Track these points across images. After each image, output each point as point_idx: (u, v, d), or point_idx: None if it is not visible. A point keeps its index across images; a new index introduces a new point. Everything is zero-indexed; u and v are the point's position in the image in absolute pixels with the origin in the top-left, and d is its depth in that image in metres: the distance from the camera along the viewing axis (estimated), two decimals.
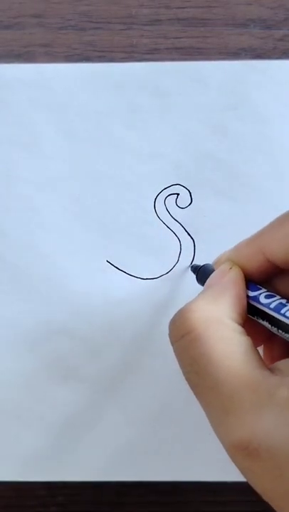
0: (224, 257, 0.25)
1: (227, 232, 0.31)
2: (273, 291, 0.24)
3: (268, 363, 0.22)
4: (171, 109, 0.31)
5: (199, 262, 0.30)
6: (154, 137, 0.31)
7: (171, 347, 0.22)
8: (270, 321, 0.23)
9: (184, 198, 0.31)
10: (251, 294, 0.23)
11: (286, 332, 0.22)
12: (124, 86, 0.31)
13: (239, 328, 0.21)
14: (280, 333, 0.22)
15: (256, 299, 0.23)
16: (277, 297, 0.23)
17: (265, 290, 0.24)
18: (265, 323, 0.23)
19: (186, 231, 0.31)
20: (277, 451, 0.17)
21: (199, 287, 0.26)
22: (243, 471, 0.18)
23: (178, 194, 0.31)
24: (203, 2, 0.31)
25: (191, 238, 0.31)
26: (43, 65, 0.31)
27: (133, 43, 0.31)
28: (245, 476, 0.19)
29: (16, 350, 0.31)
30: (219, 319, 0.20)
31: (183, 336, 0.20)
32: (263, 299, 0.23)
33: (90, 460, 0.31)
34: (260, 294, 0.23)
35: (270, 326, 0.23)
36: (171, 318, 0.22)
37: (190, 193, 0.31)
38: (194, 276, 0.28)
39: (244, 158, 0.31)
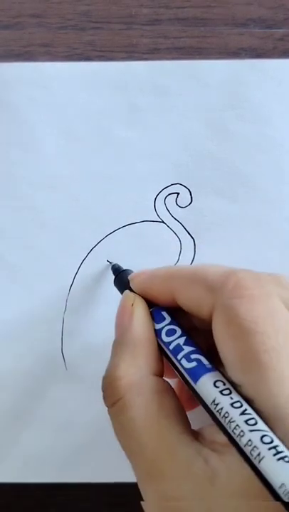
0: (136, 281, 0.25)
1: (227, 231, 0.30)
2: (177, 316, 0.23)
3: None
4: (171, 108, 0.31)
5: (199, 261, 0.30)
6: (154, 137, 0.31)
7: None
8: (170, 361, 0.22)
9: (184, 198, 0.31)
10: (156, 326, 0.23)
11: (181, 377, 0.21)
12: (124, 86, 0.31)
13: (161, 386, 0.22)
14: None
15: (159, 334, 0.23)
16: (178, 334, 0.22)
17: (168, 321, 0.23)
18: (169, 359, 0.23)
19: (187, 230, 0.31)
20: None
21: None
22: None
23: (178, 193, 0.31)
24: (203, 2, 0.31)
25: (191, 237, 0.31)
26: (42, 63, 0.31)
27: (133, 43, 0.31)
28: None
29: (16, 350, 0.31)
30: (141, 383, 0.22)
31: (113, 404, 0.22)
32: (164, 336, 0.23)
33: (89, 461, 0.31)
34: (163, 328, 0.23)
35: (171, 365, 0.22)
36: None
37: (190, 192, 0.31)
38: None
39: (244, 157, 0.31)
